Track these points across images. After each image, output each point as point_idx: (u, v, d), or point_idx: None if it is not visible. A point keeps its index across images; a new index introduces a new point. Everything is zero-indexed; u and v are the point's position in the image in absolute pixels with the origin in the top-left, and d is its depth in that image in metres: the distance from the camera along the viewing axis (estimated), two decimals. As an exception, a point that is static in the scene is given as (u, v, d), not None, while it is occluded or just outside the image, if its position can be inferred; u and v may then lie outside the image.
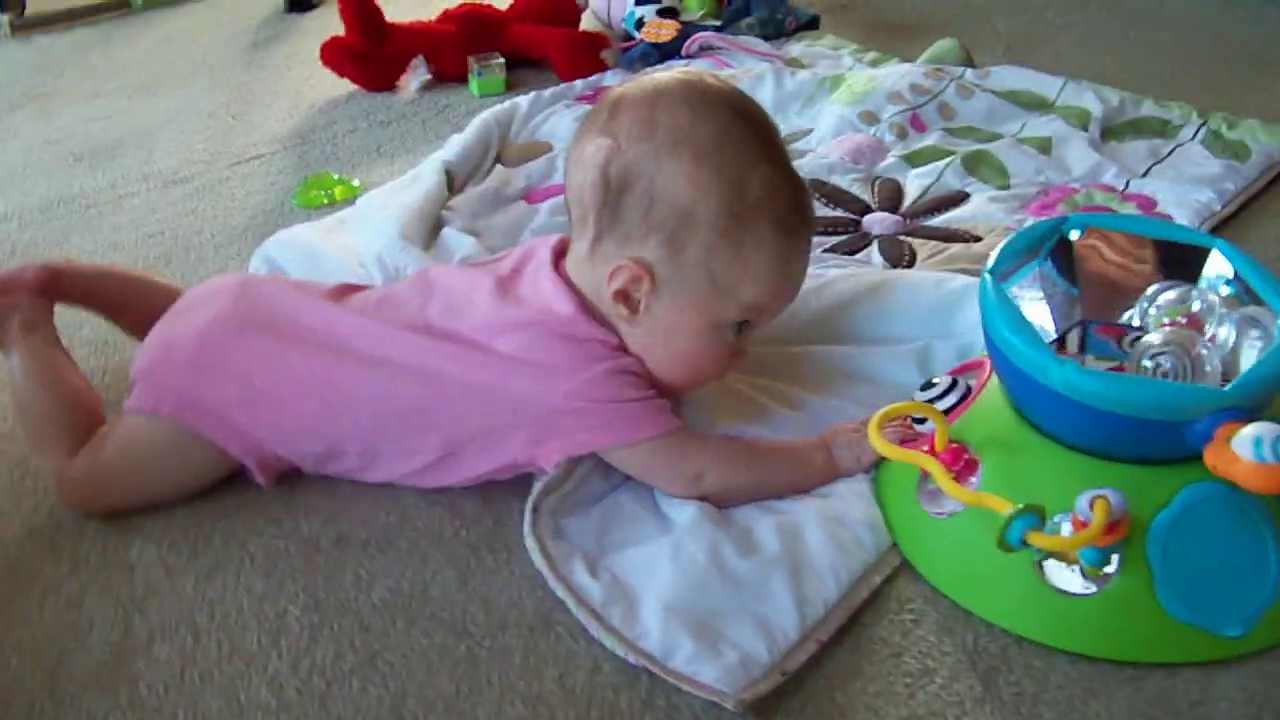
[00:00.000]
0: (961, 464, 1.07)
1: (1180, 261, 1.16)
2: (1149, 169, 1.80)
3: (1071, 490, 0.99)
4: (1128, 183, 1.75)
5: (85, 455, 1.17)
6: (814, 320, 1.36)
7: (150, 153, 2.02)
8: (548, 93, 2.05)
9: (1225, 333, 1.07)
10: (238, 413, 1.15)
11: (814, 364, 1.32)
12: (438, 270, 1.25)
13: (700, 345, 1.14)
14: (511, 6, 2.36)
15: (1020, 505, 0.96)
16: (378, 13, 2.21)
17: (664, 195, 1.08)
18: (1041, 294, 1.16)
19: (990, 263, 1.10)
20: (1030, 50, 2.34)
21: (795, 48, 2.30)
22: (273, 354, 1.16)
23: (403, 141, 2.03)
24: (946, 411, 1.13)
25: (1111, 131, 1.92)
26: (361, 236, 1.59)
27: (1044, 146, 1.85)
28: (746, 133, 1.10)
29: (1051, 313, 1.17)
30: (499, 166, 1.82)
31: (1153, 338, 1.06)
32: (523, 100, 2.00)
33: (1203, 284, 1.14)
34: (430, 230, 1.60)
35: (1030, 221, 1.64)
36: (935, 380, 1.19)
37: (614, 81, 2.15)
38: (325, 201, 1.80)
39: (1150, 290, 1.15)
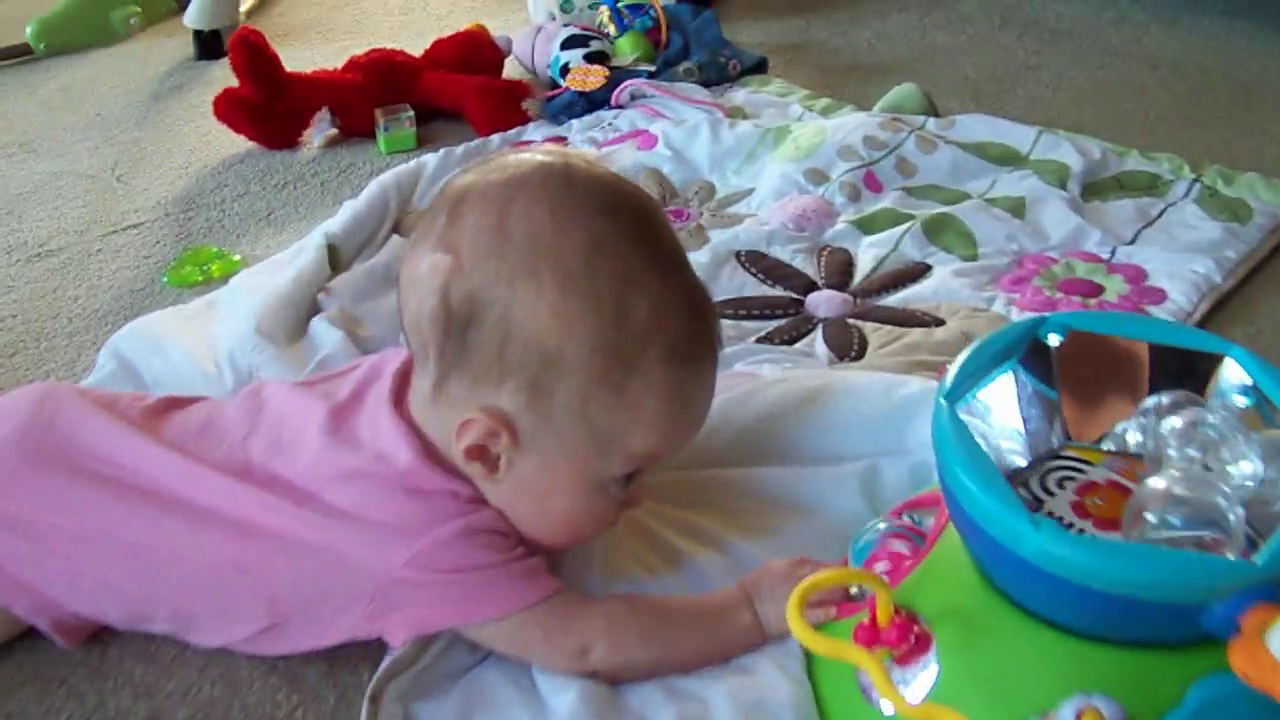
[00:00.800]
0: (911, 642, 0.85)
1: (1184, 368, 0.94)
2: (1137, 233, 1.60)
3: (1053, 686, 0.79)
4: (1114, 251, 1.55)
5: None
6: (738, 437, 1.14)
7: (20, 221, 1.87)
8: (460, 149, 1.86)
9: (1249, 468, 0.84)
10: (21, 568, 0.98)
11: (737, 491, 1.11)
12: (271, 390, 1.06)
13: (579, 505, 0.94)
14: (426, 53, 2.18)
15: None
16: (273, 62, 2.02)
17: (521, 330, 0.87)
18: (1014, 406, 0.94)
19: (946, 383, 0.88)
20: (1000, 95, 2.16)
21: (739, 94, 2.09)
22: (62, 495, 0.98)
23: (296, 207, 1.86)
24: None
25: (1094, 189, 1.71)
26: (221, 325, 1.40)
27: (1016, 208, 1.64)
28: (628, 238, 0.89)
29: (1025, 431, 0.94)
30: (395, 238, 1.62)
31: (1157, 484, 0.82)
32: (430, 158, 1.81)
33: (1214, 398, 0.91)
34: (299, 320, 1.40)
35: (1001, 298, 1.44)
36: (881, 525, 0.97)
37: (537, 137, 1.95)
38: (199, 279, 1.64)
39: (1149, 403, 0.92)
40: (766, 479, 1.11)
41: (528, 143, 1.93)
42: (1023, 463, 0.94)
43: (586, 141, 1.90)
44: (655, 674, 0.94)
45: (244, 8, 2.70)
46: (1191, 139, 1.93)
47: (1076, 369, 0.95)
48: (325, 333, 1.34)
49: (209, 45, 2.53)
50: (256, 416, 1.02)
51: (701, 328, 0.92)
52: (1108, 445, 0.95)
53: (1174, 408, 0.90)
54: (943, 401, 0.86)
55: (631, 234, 0.89)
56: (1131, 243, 1.57)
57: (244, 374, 1.28)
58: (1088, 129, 1.92)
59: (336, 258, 1.53)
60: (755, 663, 0.94)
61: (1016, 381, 0.94)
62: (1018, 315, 1.41)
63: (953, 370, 0.89)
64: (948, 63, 2.31)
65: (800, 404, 1.16)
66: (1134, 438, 0.93)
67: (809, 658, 0.94)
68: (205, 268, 1.67)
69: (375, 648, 0.98)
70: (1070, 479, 0.91)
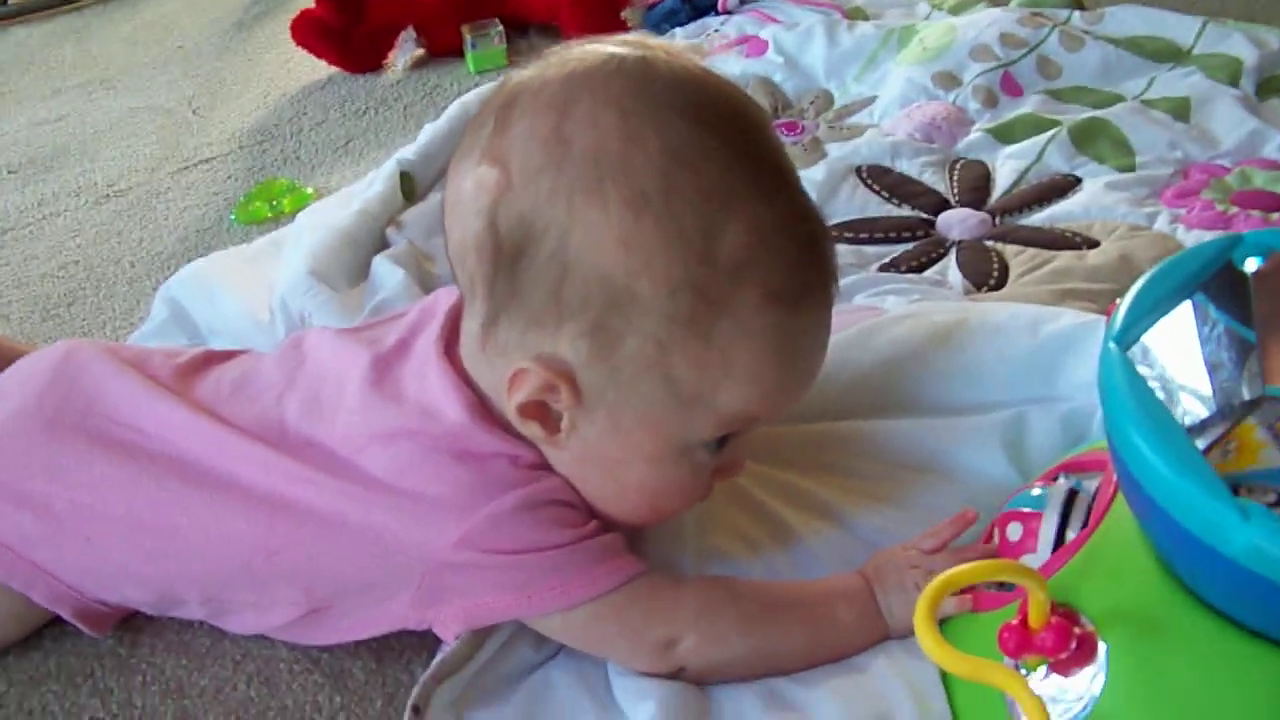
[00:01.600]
0: (1071, 648, 0.68)
1: None
2: None
3: (1258, 709, 0.63)
4: None
5: None
6: (855, 384, 0.98)
7: (93, 161, 1.82)
8: None
9: None
10: (37, 550, 0.88)
11: (857, 449, 0.95)
12: (314, 339, 0.93)
13: (660, 475, 0.79)
14: None
15: None
16: None
17: (583, 262, 0.72)
18: (1197, 347, 0.75)
19: (1116, 323, 0.70)
20: None
21: (860, -8, 1.92)
22: (80, 466, 0.87)
23: (376, 135, 1.77)
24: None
25: (1271, 86, 1.52)
26: (282, 268, 1.28)
27: (1180, 110, 1.45)
28: (720, 149, 0.72)
29: (1211, 379, 0.75)
30: None
31: None
32: None
33: None
34: (363, 258, 1.27)
35: (1164, 214, 1.25)
36: (1035, 491, 0.79)
37: (637, 49, 1.79)
38: (269, 215, 1.57)
39: None
40: (891, 433, 0.96)
41: (626, 57, 1.77)
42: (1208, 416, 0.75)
43: (692, 51, 1.73)
44: (753, 673, 0.80)
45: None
46: None
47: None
48: (388, 272, 1.21)
49: None
50: (296, 371, 0.89)
51: (812, 261, 0.76)
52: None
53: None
54: (1112, 346, 0.68)
55: (724, 144, 0.73)
56: (1320, 145, 1.38)
57: (295, 321, 1.16)
58: (1266, 18, 1.72)
59: (411, 186, 1.41)
60: (872, 663, 0.79)
61: (1202, 317, 0.75)
62: (1185, 234, 1.22)
63: (1123, 306, 0.71)
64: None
65: (929, 343, 0.99)
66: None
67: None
68: (276, 203, 1.58)
69: (431, 639, 0.86)
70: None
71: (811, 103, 1.58)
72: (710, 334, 0.73)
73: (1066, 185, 1.34)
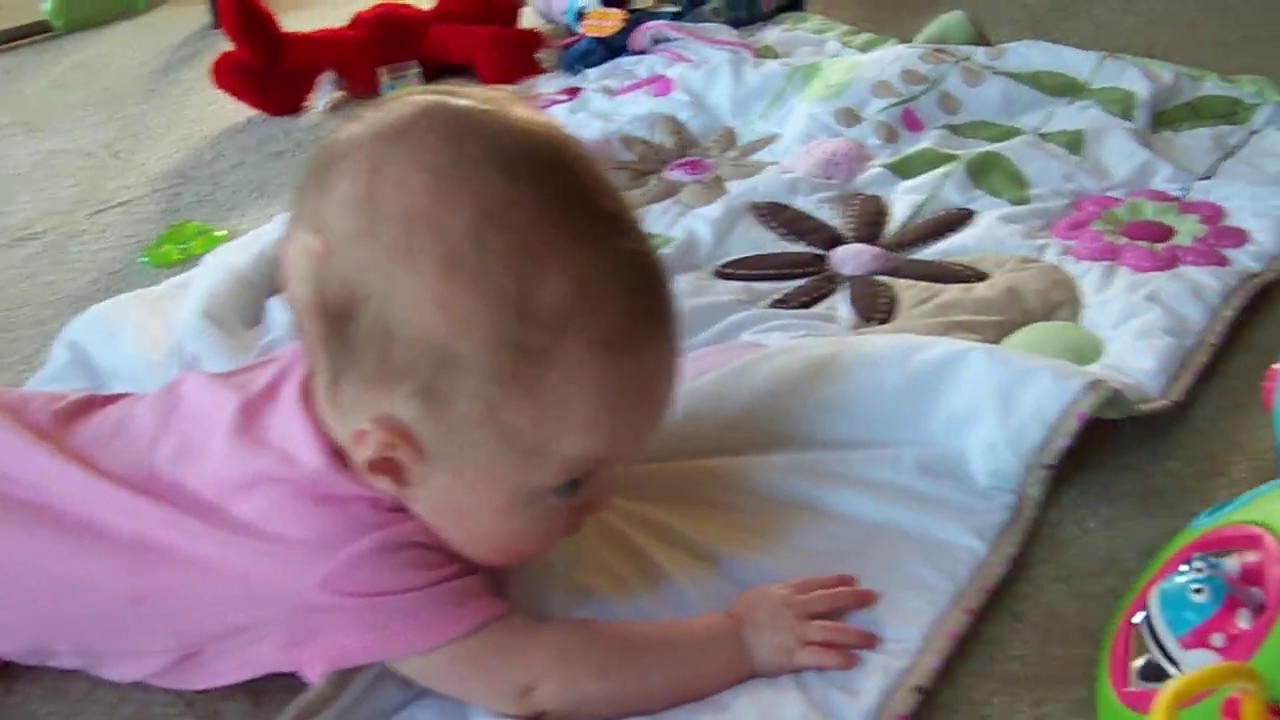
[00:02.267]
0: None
1: None
2: (1214, 166, 1.42)
3: None
4: (1187, 187, 1.38)
5: None
6: (732, 421, 0.98)
7: (9, 203, 1.80)
8: None
9: None
10: None
11: (733, 485, 0.95)
12: (190, 384, 0.92)
13: (511, 522, 0.79)
14: (437, 4, 2.08)
15: None
16: (266, 21, 1.93)
17: (405, 326, 0.71)
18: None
19: None
20: (1061, 23, 2.01)
21: (771, 33, 1.93)
22: None
23: (291, 177, 1.75)
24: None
25: (1164, 119, 1.55)
26: (182, 310, 1.27)
27: (1074, 143, 1.47)
28: (534, 201, 0.71)
29: None
30: None
31: None
32: None
33: None
34: (258, 300, 1.27)
35: (1054, 245, 1.27)
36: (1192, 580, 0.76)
37: (550, 89, 1.80)
38: (178, 258, 1.56)
39: None
40: (766, 469, 0.95)
41: (539, 95, 1.79)
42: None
43: (600, 91, 1.75)
44: (616, 714, 0.80)
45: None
46: None
47: None
48: (279, 312, 1.20)
49: None
50: (170, 415, 0.88)
51: (643, 305, 0.75)
52: None
53: None
54: None
55: (541, 196, 0.72)
56: (1207, 177, 1.40)
57: (188, 363, 1.15)
58: (1163, 55, 1.75)
59: None
60: (734, 702, 0.79)
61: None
62: (1074, 265, 1.24)
63: None
64: (1008, -10, 2.15)
65: (804, 377, 0.99)
66: None
67: None
68: (186, 245, 1.58)
69: (304, 681, 0.85)
70: None
71: (716, 140, 1.58)
72: (538, 388, 0.72)
73: (961, 219, 1.34)
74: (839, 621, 0.83)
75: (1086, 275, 1.21)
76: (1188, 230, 1.27)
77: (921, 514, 0.91)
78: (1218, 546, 0.79)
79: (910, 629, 0.82)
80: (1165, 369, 1.06)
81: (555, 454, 0.74)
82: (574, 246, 0.71)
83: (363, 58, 1.95)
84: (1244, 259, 1.22)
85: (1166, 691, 0.63)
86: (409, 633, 0.78)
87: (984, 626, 0.85)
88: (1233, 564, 0.76)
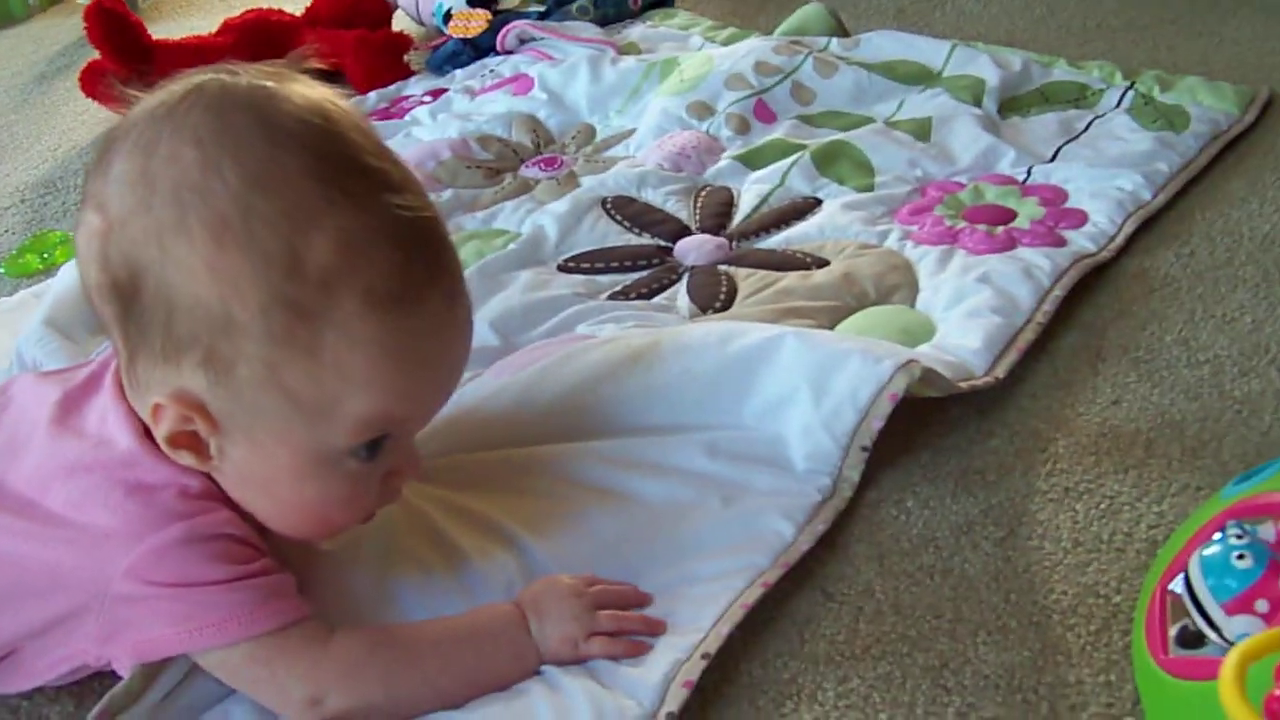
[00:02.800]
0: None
1: None
2: (1058, 150, 1.42)
3: None
4: (1029, 171, 1.38)
5: None
6: (549, 410, 0.98)
7: None
8: None
9: None
10: None
11: (547, 472, 0.95)
12: (20, 384, 0.93)
13: (313, 489, 0.79)
14: (307, 10, 2.07)
15: None
16: (135, 29, 1.92)
17: (183, 296, 0.73)
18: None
19: None
20: (926, 13, 1.99)
21: (635, 30, 1.93)
22: None
23: None
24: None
25: (1013, 104, 1.55)
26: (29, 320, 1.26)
27: (921, 130, 1.48)
28: (299, 168, 0.73)
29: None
30: None
31: None
32: None
33: None
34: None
35: (896, 231, 1.28)
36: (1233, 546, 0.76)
37: (417, 91, 1.79)
38: (39, 268, 1.55)
39: None
40: (580, 456, 0.95)
41: (406, 98, 1.78)
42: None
43: (463, 91, 1.74)
44: (404, 715, 0.81)
45: (142, -18, 2.61)
46: (1136, 45, 1.77)
47: None
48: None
49: None
50: (4, 412, 0.89)
51: (419, 260, 0.76)
52: None
53: None
54: None
55: (305, 160, 0.73)
56: (1052, 160, 1.41)
57: (29, 369, 1.15)
58: (1020, 43, 1.77)
59: None
60: (532, 688, 0.79)
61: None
62: (913, 250, 1.24)
63: None
64: (874, -16, 2.15)
65: (622, 366, 0.99)
66: None
67: (1152, 705, 0.77)
68: (48, 255, 1.56)
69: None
70: None
71: (573, 137, 1.57)
72: (315, 346, 0.73)
73: (806, 207, 1.35)
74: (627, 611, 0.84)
75: (924, 259, 1.22)
76: (1027, 213, 1.28)
77: (731, 498, 0.91)
78: (1253, 514, 0.79)
79: (704, 611, 0.82)
80: (990, 347, 1.06)
81: (343, 414, 0.75)
82: (339, 206, 0.73)
83: (232, 63, 1.92)
84: (1081, 240, 1.23)
85: (1235, 654, 0.64)
86: (210, 626, 0.78)
87: (796, 605, 0.86)
88: (1269, 530, 0.76)
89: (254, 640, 0.78)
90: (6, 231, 1.65)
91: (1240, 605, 0.72)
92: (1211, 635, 0.73)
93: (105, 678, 0.86)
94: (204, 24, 2.18)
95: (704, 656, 0.79)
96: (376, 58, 1.90)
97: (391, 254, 0.74)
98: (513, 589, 0.85)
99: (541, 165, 1.50)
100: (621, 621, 0.83)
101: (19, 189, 1.78)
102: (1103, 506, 0.92)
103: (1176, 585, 0.77)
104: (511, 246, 1.29)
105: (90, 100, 1.97)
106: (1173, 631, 0.76)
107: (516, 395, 0.99)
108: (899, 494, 0.95)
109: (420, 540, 0.89)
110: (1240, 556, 0.73)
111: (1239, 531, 0.75)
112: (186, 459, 0.77)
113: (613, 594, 0.85)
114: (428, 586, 0.86)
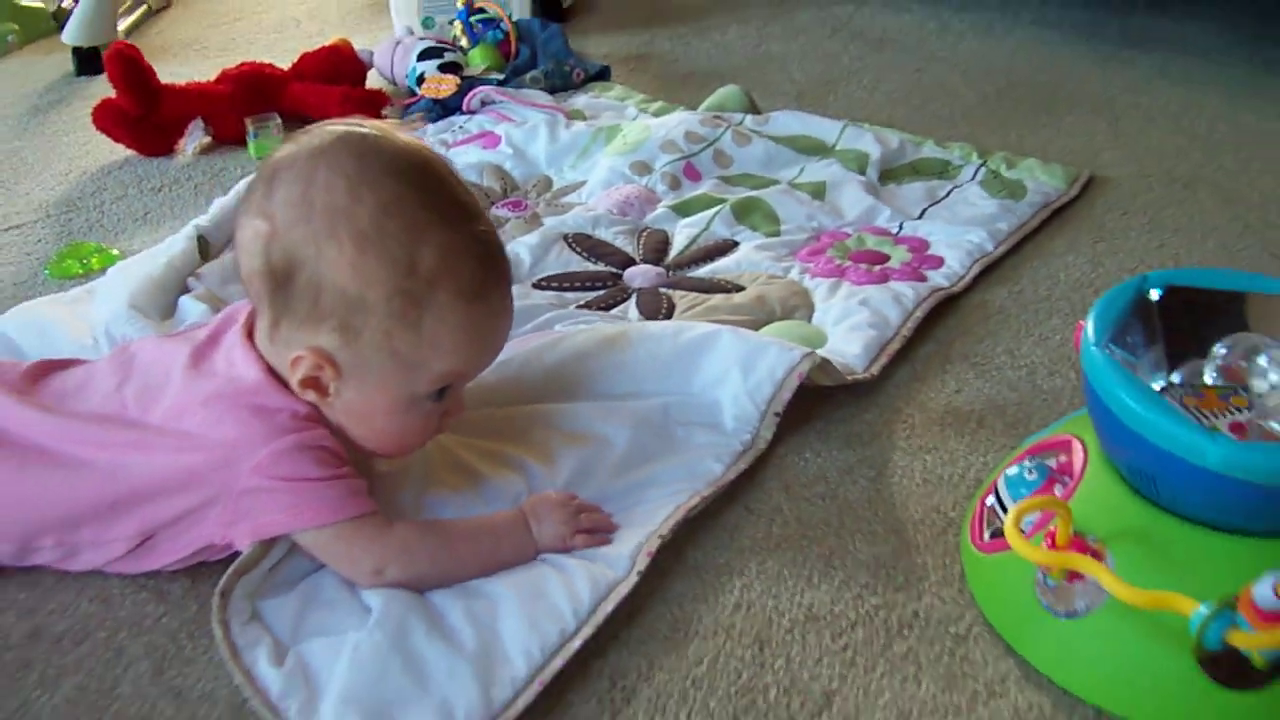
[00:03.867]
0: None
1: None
2: (924, 211, 1.77)
3: (1233, 577, 0.91)
4: (901, 225, 1.73)
5: None
6: (545, 377, 1.30)
7: None
8: None
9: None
10: None
11: (542, 423, 1.25)
12: (139, 344, 1.19)
13: (399, 420, 1.09)
14: (294, 66, 2.31)
15: (1214, 602, 0.90)
16: (149, 74, 2.13)
17: (329, 283, 1.02)
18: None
19: (1092, 332, 1.04)
20: (823, 96, 2.33)
21: (580, 99, 2.25)
22: None
23: (171, 207, 1.96)
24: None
25: (890, 174, 1.90)
26: (100, 307, 1.51)
27: (818, 191, 1.82)
28: (415, 198, 1.03)
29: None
30: None
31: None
32: None
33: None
34: (170, 299, 1.52)
35: (797, 266, 1.62)
36: (1028, 473, 1.11)
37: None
38: (80, 272, 1.74)
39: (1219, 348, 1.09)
40: (567, 412, 1.26)
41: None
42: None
43: (438, 143, 2.04)
44: (445, 583, 1.07)
45: (122, 27, 2.78)
46: (991, 132, 2.13)
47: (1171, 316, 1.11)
48: (192, 307, 1.48)
49: (88, 61, 2.62)
50: (128, 368, 1.13)
51: (490, 269, 1.07)
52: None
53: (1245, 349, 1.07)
54: (1094, 348, 1.02)
55: (419, 194, 1.03)
56: (919, 218, 1.75)
57: (118, 343, 1.37)
58: (898, 125, 2.11)
59: (206, 248, 1.66)
60: (538, 565, 1.10)
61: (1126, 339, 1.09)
62: (810, 281, 1.58)
63: (1091, 322, 1.05)
64: (779, 69, 2.49)
65: (599, 348, 1.31)
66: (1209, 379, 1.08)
67: (971, 575, 1.11)
68: (85, 261, 1.76)
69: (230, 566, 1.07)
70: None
71: (534, 186, 1.89)
72: (418, 323, 1.02)
73: (727, 247, 1.68)
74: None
75: (819, 288, 1.56)
76: (898, 257, 1.63)
77: (678, 444, 1.23)
78: (1043, 451, 1.14)
79: (658, 513, 1.14)
80: (868, 352, 1.40)
81: (429, 370, 1.06)
82: (440, 227, 1.03)
83: (230, 109, 2.15)
84: (938, 278, 1.58)
85: (1011, 512, 0.99)
86: (309, 511, 1.04)
87: (725, 517, 1.19)
88: (1052, 461, 1.11)
89: (339, 524, 1.05)
90: (40, 241, 1.84)
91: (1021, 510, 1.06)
92: (1009, 527, 1.08)
93: (212, 565, 1.10)
94: (189, 70, 2.38)
95: (660, 537, 1.11)
96: (358, 110, 2.11)
97: (473, 263, 1.05)
98: (519, 500, 1.15)
99: (509, 207, 1.82)
100: (596, 523, 1.12)
101: (42, 205, 1.97)
102: (944, 458, 1.28)
103: (990, 500, 1.13)
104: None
105: (93, 132, 2.15)
106: (987, 533, 1.11)
107: (519, 367, 1.30)
108: (800, 448, 1.29)
109: (449, 471, 1.19)
110: (1030, 473, 1.09)
111: (1029, 462, 1.11)
112: (310, 396, 1.06)
113: (588, 507, 1.14)
114: (454, 499, 1.16)
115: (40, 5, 2.91)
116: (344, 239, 1.01)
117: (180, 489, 1.07)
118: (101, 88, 2.41)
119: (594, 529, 1.12)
